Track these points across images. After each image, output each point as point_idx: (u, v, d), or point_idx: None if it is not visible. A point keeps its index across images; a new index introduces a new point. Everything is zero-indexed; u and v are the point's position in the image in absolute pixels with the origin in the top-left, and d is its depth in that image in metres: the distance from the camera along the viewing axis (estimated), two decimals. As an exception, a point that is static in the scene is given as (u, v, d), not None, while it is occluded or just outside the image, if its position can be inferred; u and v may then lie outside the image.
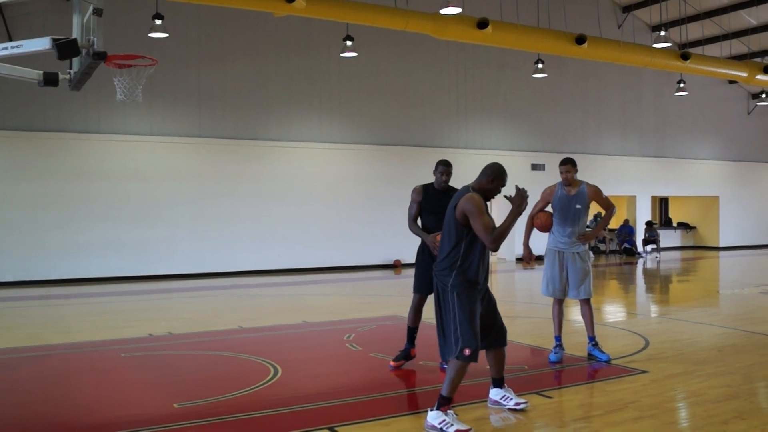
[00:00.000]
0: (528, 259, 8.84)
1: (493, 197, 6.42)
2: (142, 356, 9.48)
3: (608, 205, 8.94)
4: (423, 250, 8.27)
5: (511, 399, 6.61)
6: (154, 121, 20.73)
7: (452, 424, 5.92)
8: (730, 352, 9.20)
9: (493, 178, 6.34)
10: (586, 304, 8.73)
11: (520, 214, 6.12)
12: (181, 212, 20.89)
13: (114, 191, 20.04)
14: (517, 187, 6.25)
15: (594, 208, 9.19)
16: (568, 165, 8.66)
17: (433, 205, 8.05)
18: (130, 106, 19.55)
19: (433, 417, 6.01)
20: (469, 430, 5.90)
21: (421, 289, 8.22)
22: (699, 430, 6.01)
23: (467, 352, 6.02)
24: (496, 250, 6.09)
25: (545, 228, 8.67)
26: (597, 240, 29.68)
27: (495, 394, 6.73)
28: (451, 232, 6.29)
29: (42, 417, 6.66)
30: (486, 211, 6.19)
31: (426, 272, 8.04)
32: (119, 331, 11.57)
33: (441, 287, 6.31)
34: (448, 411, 6.04)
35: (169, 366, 9.05)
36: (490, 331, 6.54)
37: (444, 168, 8.04)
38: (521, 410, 6.52)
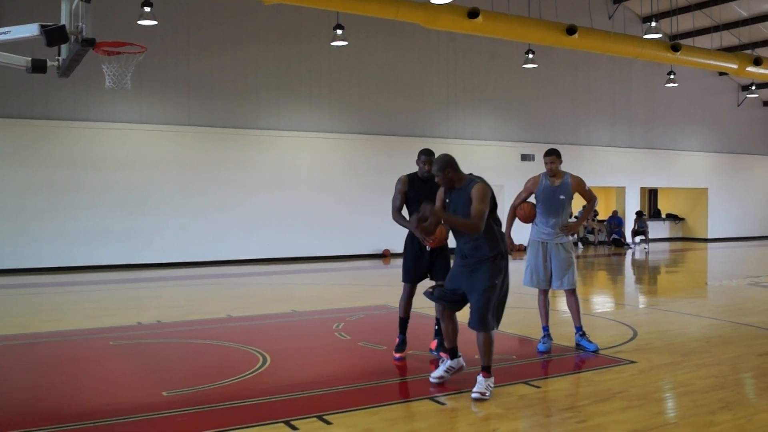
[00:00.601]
0: (510, 249, 8.86)
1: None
2: (130, 344, 9.46)
3: (590, 197, 8.98)
4: (411, 240, 8.26)
5: (446, 363, 7.12)
6: (142, 109, 20.66)
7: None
8: (718, 342, 9.24)
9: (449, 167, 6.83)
10: (571, 294, 8.75)
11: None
12: (169, 200, 20.85)
13: (103, 179, 19.97)
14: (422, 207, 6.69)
15: (578, 201, 9.18)
16: (553, 156, 8.68)
17: (418, 194, 8.04)
18: (119, 94, 19.48)
19: (480, 384, 6.64)
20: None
21: (410, 279, 8.22)
22: (686, 420, 6.03)
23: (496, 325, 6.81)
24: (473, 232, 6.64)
25: (528, 219, 8.69)
26: (586, 231, 29.76)
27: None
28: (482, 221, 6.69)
29: (29, 405, 6.64)
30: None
31: (415, 261, 8.06)
32: (108, 319, 11.55)
33: (469, 261, 6.90)
34: (490, 377, 6.70)
35: (157, 354, 9.04)
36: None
37: (426, 157, 8.05)
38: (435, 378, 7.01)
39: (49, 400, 6.82)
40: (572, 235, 8.76)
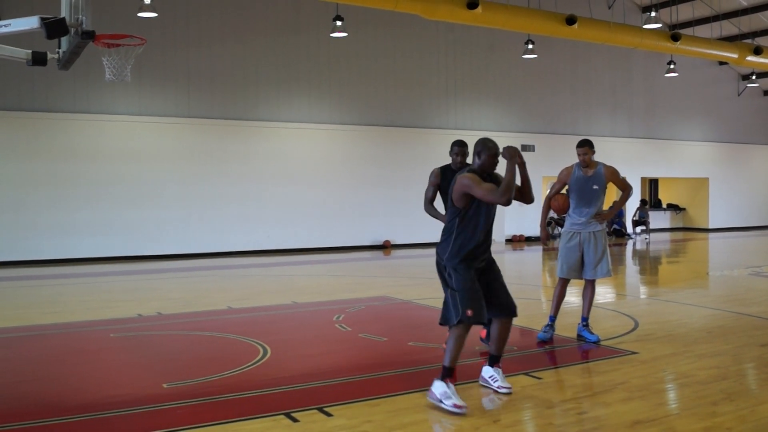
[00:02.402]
0: (545, 239, 8.89)
1: (492, 169, 6.48)
2: (131, 336, 9.46)
3: (625, 186, 8.98)
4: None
5: (497, 381, 6.61)
6: (143, 101, 20.64)
7: (451, 397, 6.01)
8: (719, 333, 9.23)
9: (479, 150, 6.42)
10: (591, 285, 8.77)
11: (514, 165, 6.23)
12: (170, 193, 20.84)
13: (103, 171, 19.96)
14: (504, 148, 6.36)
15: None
16: (586, 147, 8.71)
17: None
18: (119, 86, 19.48)
19: (437, 387, 6.13)
20: (464, 407, 5.94)
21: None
22: (688, 411, 6.02)
23: (470, 312, 6.12)
24: (508, 203, 6.13)
25: (562, 210, 8.71)
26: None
27: (486, 372, 6.75)
28: (447, 212, 6.51)
29: (30, 397, 6.63)
30: (482, 181, 6.26)
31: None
32: (108, 311, 11.56)
33: (440, 261, 6.51)
34: (450, 384, 6.12)
35: (158, 346, 9.04)
36: (493, 303, 6.53)
37: (459, 149, 7.95)
38: (503, 393, 6.50)
39: (50, 392, 6.81)
40: (601, 223, 8.75)
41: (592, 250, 8.63)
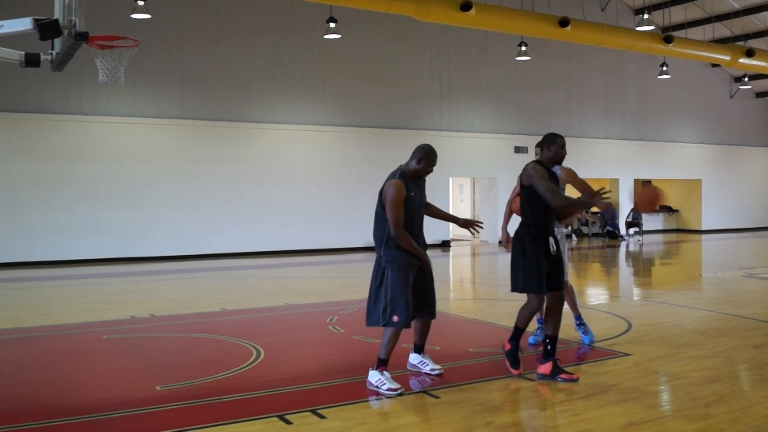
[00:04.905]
0: (506, 242, 8.87)
1: (423, 177, 7.08)
2: (124, 338, 9.45)
3: (584, 188, 8.82)
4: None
5: (428, 364, 7.30)
6: (136, 103, 20.61)
7: (385, 383, 6.63)
8: (713, 335, 9.25)
9: (421, 158, 6.95)
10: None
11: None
12: (163, 194, 20.82)
13: (96, 173, 19.94)
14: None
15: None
16: (537, 147, 8.63)
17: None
18: (113, 88, 19.45)
19: (372, 376, 6.76)
20: (399, 389, 6.58)
21: None
22: (681, 412, 6.03)
23: (395, 318, 6.73)
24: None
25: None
26: (580, 223, 29.76)
27: (414, 358, 7.42)
28: (379, 212, 6.93)
29: (22, 399, 6.62)
30: (402, 200, 6.75)
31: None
32: (101, 313, 11.53)
33: (378, 259, 6.96)
34: (384, 371, 6.74)
35: (151, 348, 9.02)
36: (422, 302, 7.10)
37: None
38: (436, 375, 7.15)
39: (43, 394, 6.79)
40: (566, 227, 8.74)
41: None
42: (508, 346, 7.19)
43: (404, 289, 6.77)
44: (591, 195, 6.95)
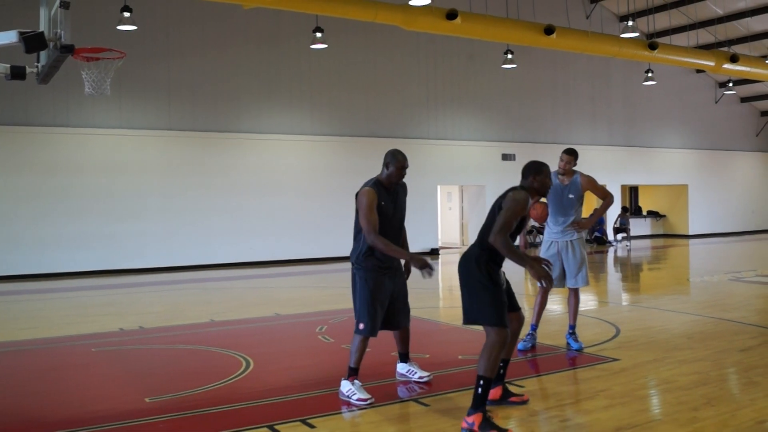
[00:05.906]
0: (524, 248, 8.90)
1: (397, 181, 7.10)
2: (112, 351, 9.42)
3: (605, 194, 9.00)
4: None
5: (416, 372, 7.28)
6: (123, 115, 20.58)
7: (356, 393, 6.59)
8: (700, 338, 9.29)
9: (388, 162, 7.03)
10: (575, 293, 8.80)
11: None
12: (151, 206, 20.78)
13: (84, 185, 19.89)
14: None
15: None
16: (571, 156, 8.79)
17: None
18: (100, 100, 19.39)
19: (343, 386, 6.75)
20: (369, 399, 6.53)
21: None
22: (669, 416, 6.06)
23: (361, 326, 6.84)
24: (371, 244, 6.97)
25: (541, 219, 8.68)
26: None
27: (402, 368, 7.40)
28: (356, 221, 7.20)
29: (11, 412, 6.60)
30: (374, 205, 6.92)
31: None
32: (90, 325, 11.50)
33: (352, 268, 7.27)
34: (355, 381, 6.72)
35: (140, 360, 9.01)
36: (397, 310, 7.14)
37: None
38: (424, 382, 7.15)
39: (31, 407, 6.77)
40: (582, 233, 8.80)
41: (570, 258, 8.68)
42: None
43: (370, 297, 6.88)
44: (534, 259, 6.16)
